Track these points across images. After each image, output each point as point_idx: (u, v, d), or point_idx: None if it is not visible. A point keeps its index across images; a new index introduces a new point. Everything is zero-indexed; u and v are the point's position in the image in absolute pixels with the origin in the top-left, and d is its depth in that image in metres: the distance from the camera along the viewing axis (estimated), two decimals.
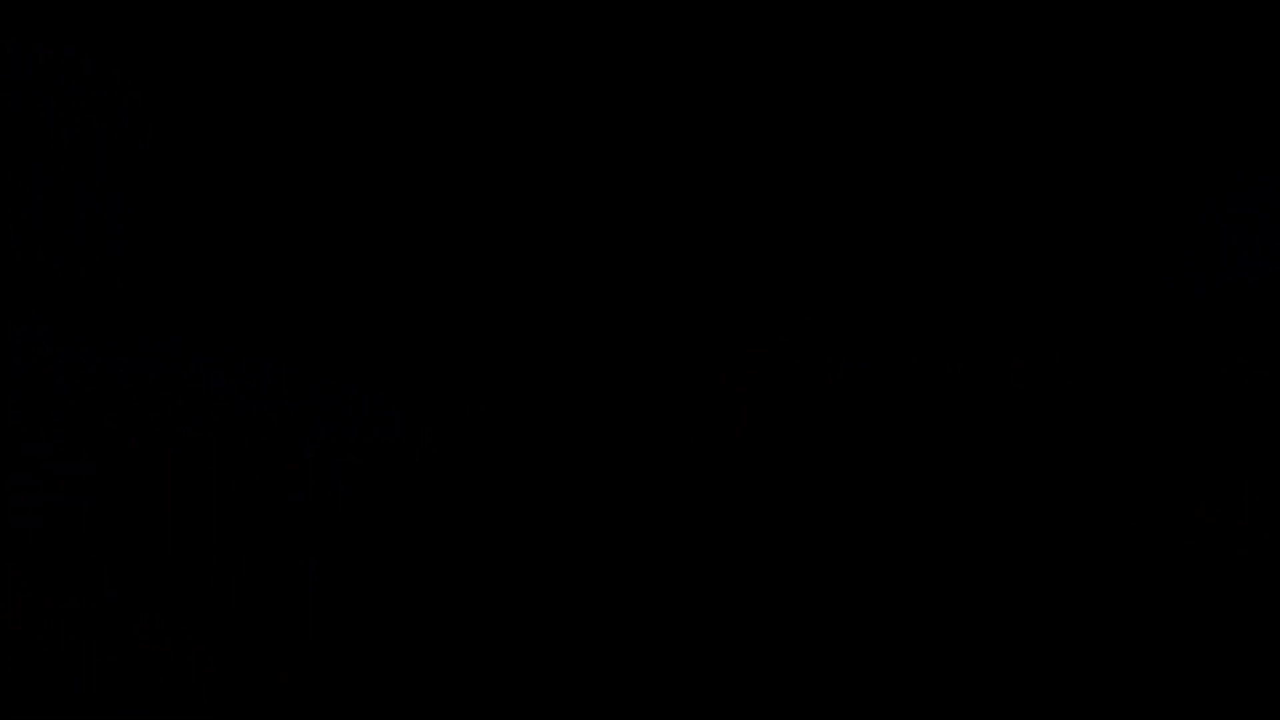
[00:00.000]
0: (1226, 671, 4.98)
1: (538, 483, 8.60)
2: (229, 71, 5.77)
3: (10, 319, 5.91)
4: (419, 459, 8.41)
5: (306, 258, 6.50)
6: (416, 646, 5.16)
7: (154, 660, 4.72)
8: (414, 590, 5.54)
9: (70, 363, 6.34)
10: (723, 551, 7.12)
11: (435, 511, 8.16)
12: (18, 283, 5.66)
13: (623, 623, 5.22)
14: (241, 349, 5.80)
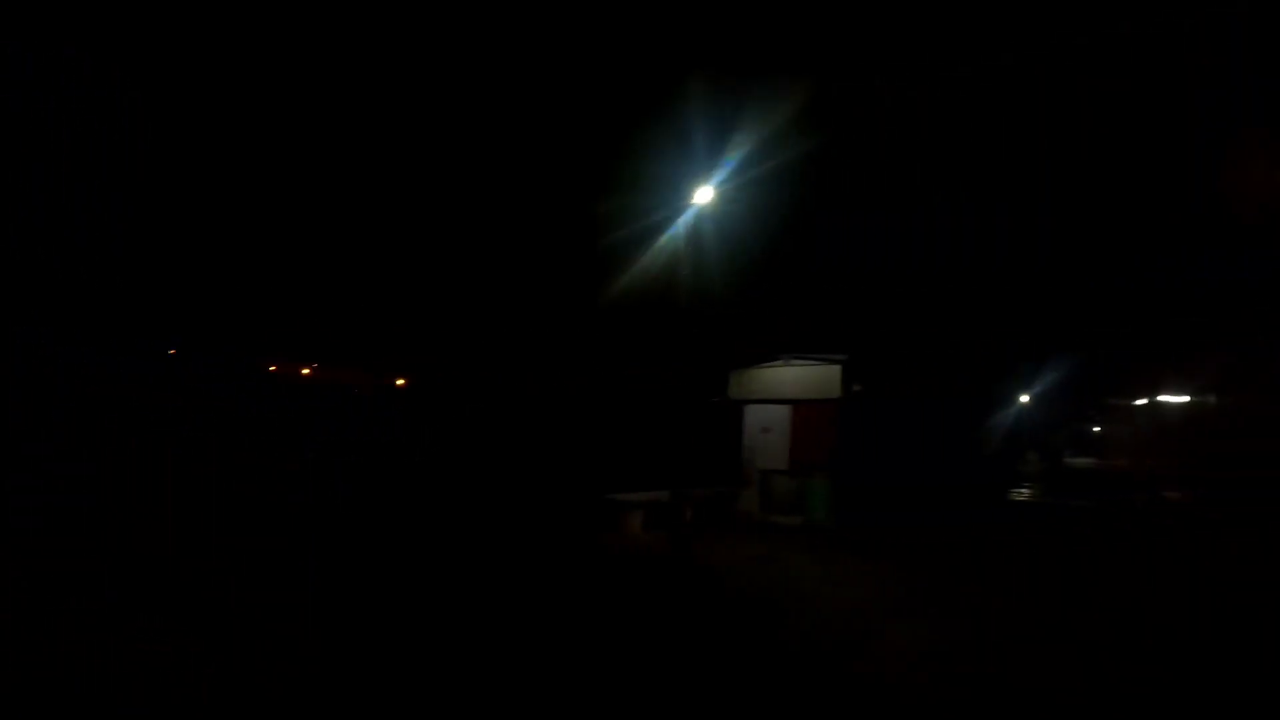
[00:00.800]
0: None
1: (533, 482, 8.53)
2: (228, 73, 5.82)
3: (10, 319, 5.87)
4: (419, 459, 8.33)
5: (306, 259, 6.52)
6: (416, 646, 5.17)
7: (154, 660, 4.72)
8: (413, 590, 5.54)
9: (70, 363, 6.28)
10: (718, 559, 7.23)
11: (435, 511, 8.09)
12: (18, 283, 5.63)
13: (620, 621, 5.23)
14: (241, 349, 5.78)
